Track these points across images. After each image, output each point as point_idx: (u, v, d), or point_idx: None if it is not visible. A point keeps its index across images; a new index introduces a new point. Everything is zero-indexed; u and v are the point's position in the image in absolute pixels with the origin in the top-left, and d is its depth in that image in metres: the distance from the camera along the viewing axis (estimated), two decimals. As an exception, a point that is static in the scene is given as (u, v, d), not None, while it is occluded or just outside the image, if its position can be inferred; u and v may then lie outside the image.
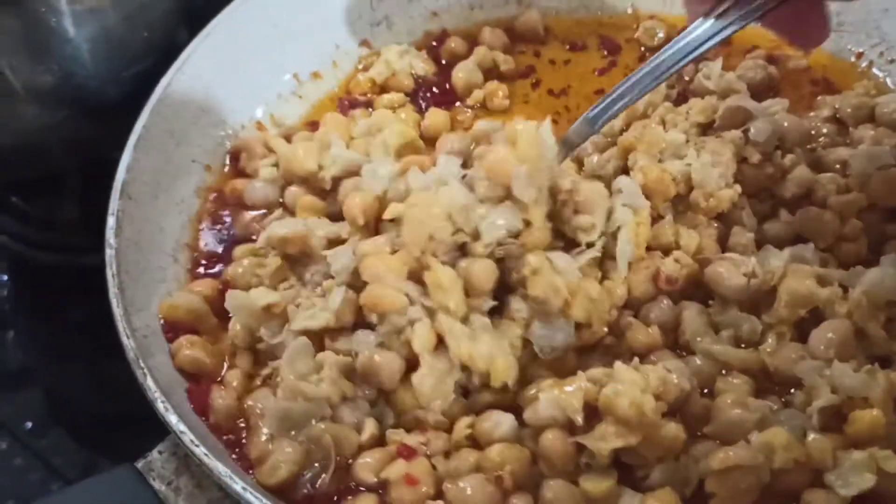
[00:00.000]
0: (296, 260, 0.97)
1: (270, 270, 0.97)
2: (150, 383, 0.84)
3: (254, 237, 1.04)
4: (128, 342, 0.87)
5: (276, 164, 1.10)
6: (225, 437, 0.88)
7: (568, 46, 1.25)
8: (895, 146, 1.00)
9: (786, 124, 1.03)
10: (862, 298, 0.86)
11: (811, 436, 0.81)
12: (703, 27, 0.89)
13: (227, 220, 1.09)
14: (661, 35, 1.22)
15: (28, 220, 1.30)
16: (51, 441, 1.15)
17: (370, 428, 0.86)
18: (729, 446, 0.81)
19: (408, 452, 0.84)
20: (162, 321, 0.96)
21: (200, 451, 0.80)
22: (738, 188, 0.97)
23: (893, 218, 0.96)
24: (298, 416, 0.86)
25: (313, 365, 0.88)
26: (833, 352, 0.84)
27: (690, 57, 0.90)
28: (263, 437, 0.85)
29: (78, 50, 1.13)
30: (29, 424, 1.16)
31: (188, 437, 0.81)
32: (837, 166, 1.00)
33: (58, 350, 1.26)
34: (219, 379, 0.93)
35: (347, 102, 1.21)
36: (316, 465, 0.84)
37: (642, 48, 1.23)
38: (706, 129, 1.05)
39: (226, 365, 0.94)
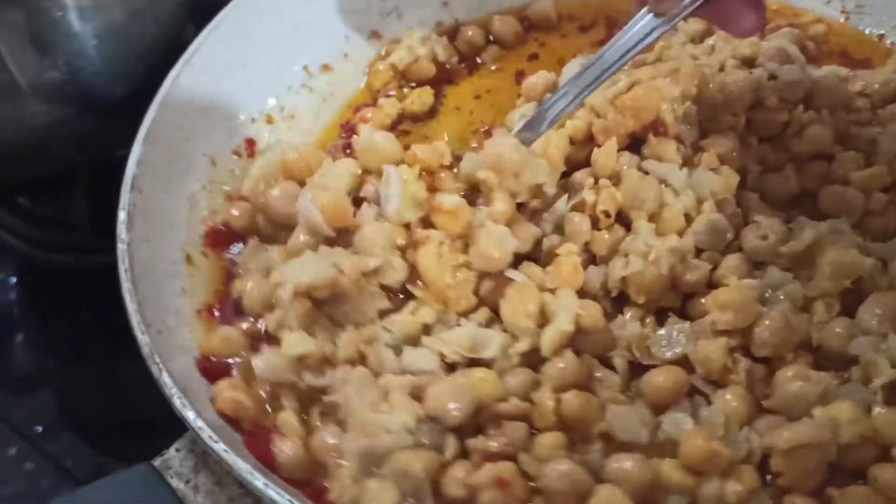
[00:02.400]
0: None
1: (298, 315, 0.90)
2: (165, 379, 0.82)
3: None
4: (142, 338, 0.85)
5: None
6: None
7: (579, 29, 1.24)
8: None
9: (822, 84, 1.01)
10: None
11: (876, 410, 0.79)
12: (646, 19, 0.91)
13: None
14: None
15: (36, 220, 1.28)
16: (63, 444, 1.13)
17: (453, 445, 0.82)
18: (793, 423, 0.79)
19: (494, 456, 0.81)
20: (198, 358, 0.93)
21: (219, 447, 0.78)
22: (742, 120, 0.99)
23: None
24: (382, 451, 0.81)
25: (378, 392, 0.84)
26: (887, 325, 0.83)
27: (635, 51, 0.92)
28: (348, 480, 0.81)
29: (84, 46, 1.12)
30: (40, 428, 1.14)
31: (206, 432, 0.79)
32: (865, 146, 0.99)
33: (68, 352, 1.24)
34: (271, 426, 0.88)
35: (345, 133, 1.18)
36: (410, 499, 0.80)
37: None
38: (749, 64, 1.05)
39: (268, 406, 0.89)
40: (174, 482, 0.82)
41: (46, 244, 1.27)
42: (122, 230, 0.94)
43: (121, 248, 0.92)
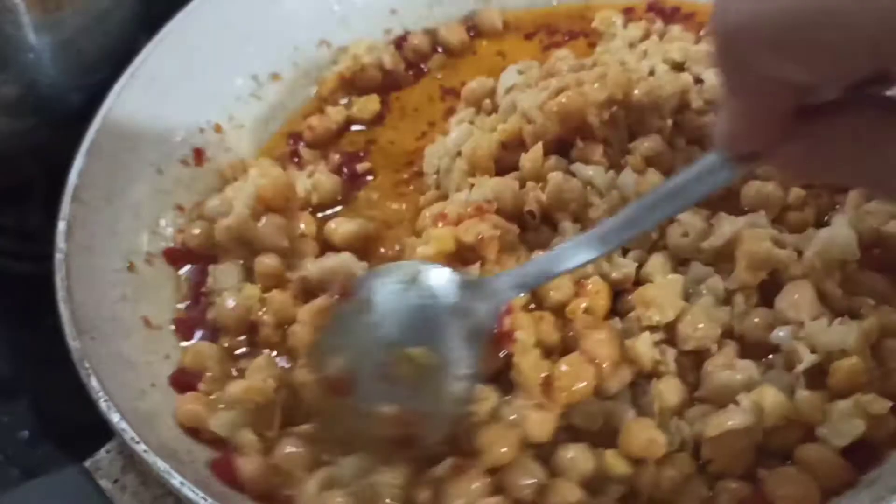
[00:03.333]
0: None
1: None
2: (93, 383, 0.85)
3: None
4: (73, 344, 0.89)
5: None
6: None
7: (524, 37, 1.26)
8: None
9: None
10: (816, 259, 0.87)
11: (799, 392, 0.81)
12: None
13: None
14: (617, 23, 1.21)
15: (-1, 230, 1.30)
16: (47, 450, 1.14)
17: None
18: (720, 411, 0.81)
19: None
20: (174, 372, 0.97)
21: (140, 447, 0.80)
22: (669, 122, 1.01)
23: (840, 190, 0.95)
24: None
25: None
26: (803, 313, 0.85)
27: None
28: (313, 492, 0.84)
29: (39, 59, 1.15)
30: (26, 433, 1.15)
31: (129, 434, 0.81)
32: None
33: (39, 359, 1.25)
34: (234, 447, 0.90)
35: (293, 140, 1.21)
36: None
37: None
38: (678, 68, 1.07)
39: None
40: (103, 482, 0.84)
41: (11, 253, 1.29)
42: (60, 240, 0.97)
43: (58, 257, 0.95)
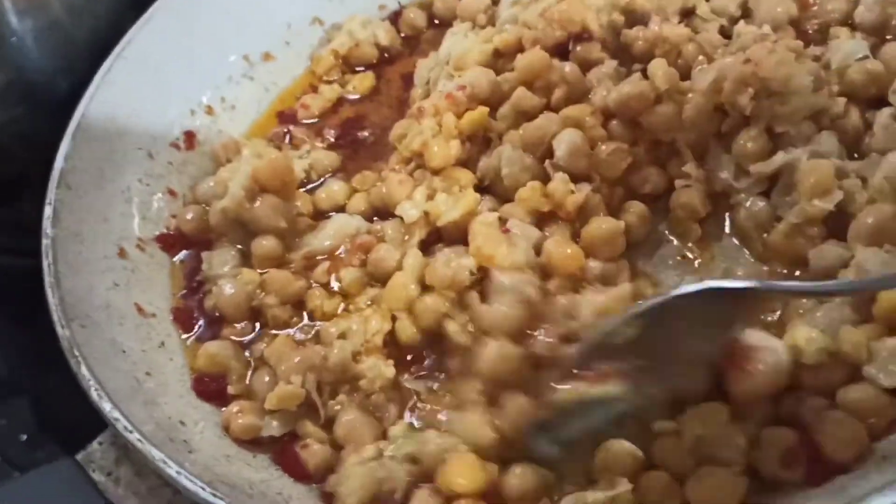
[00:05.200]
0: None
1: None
2: (83, 371, 0.82)
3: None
4: (62, 332, 0.86)
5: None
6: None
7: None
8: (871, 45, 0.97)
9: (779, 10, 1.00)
10: (884, 184, 0.85)
11: (843, 328, 0.78)
12: None
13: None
14: None
15: (-9, 225, 1.27)
16: (49, 451, 1.08)
17: None
18: None
19: None
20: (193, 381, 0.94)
21: (134, 436, 0.78)
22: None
23: (874, 105, 0.93)
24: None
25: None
26: (872, 237, 0.82)
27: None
28: None
29: (23, 44, 1.11)
30: (24, 436, 1.09)
31: (122, 423, 0.78)
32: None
33: (40, 356, 1.22)
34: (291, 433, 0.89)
35: (285, 120, 1.18)
36: None
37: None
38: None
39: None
40: (96, 475, 0.82)
41: (6, 248, 1.26)
42: (47, 225, 0.94)
43: (45, 242, 0.92)
